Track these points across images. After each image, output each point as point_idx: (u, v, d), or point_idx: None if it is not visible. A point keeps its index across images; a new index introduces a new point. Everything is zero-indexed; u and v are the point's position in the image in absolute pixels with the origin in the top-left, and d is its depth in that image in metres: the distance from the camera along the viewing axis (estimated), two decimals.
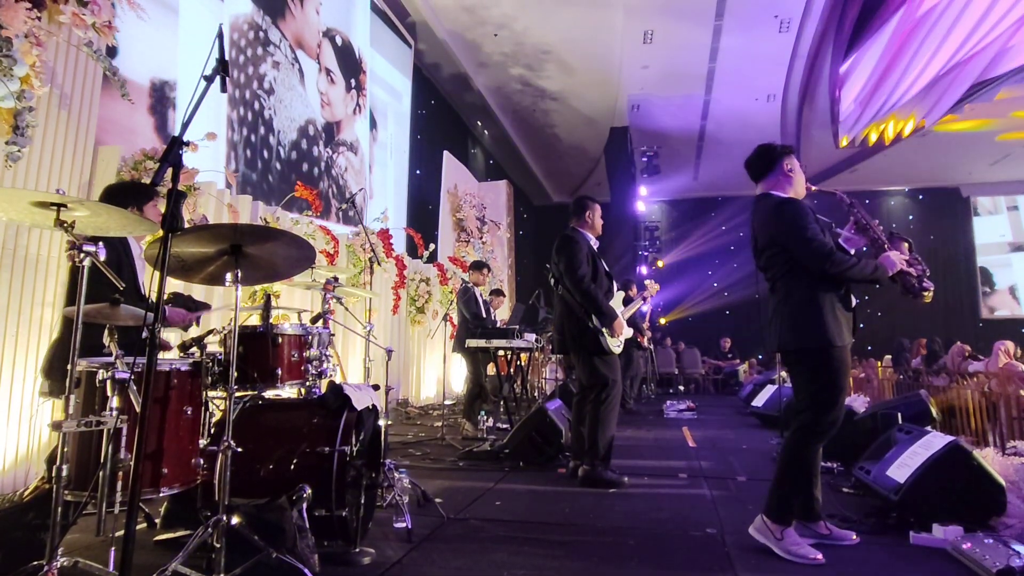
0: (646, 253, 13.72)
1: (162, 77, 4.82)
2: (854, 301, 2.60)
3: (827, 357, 2.48)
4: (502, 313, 7.87)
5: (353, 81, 8.04)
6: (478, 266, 6.37)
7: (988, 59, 9.40)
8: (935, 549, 2.50)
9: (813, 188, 2.82)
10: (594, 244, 3.92)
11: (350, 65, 8.00)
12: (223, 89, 1.72)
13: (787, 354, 2.63)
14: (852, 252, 2.68)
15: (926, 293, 2.59)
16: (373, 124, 8.55)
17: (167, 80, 4.87)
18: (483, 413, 5.68)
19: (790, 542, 2.40)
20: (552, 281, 3.92)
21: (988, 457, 2.92)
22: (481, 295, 6.16)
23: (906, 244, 2.66)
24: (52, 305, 3.26)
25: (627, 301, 4.43)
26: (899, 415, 3.82)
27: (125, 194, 2.68)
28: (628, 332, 3.87)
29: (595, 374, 3.71)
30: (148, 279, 2.72)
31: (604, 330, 3.68)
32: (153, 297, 1.45)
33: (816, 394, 2.50)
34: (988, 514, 2.69)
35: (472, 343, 5.53)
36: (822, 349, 2.48)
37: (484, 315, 6.02)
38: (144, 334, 1.62)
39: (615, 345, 3.75)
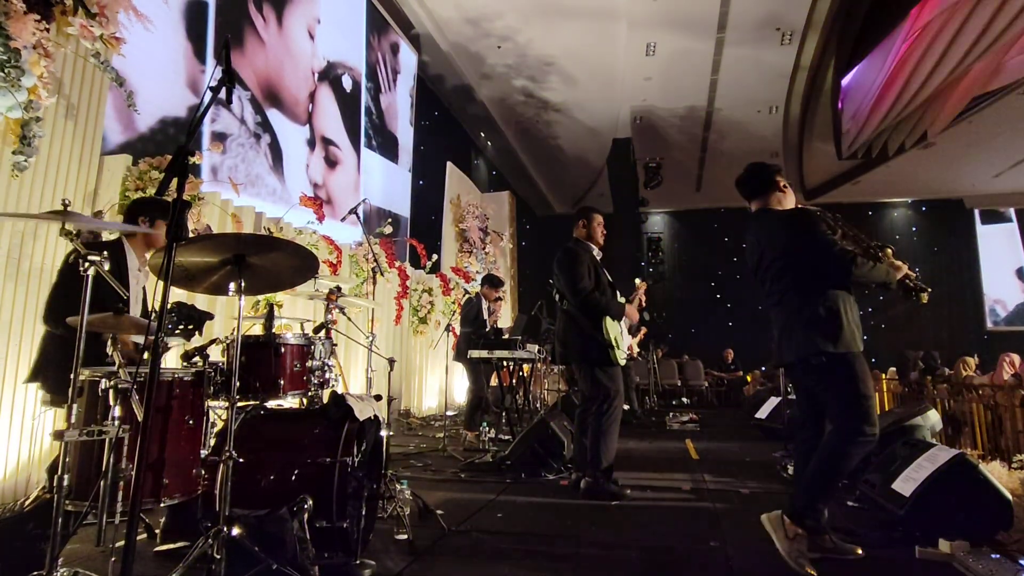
0: (648, 264, 13.73)
1: None
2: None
3: (852, 363, 2.48)
4: (503, 321, 7.87)
5: None
6: (490, 282, 6.45)
7: (989, 72, 9.43)
8: (941, 564, 2.47)
9: (804, 204, 2.90)
10: (597, 255, 3.90)
11: None
12: (228, 100, 1.73)
13: (808, 365, 2.54)
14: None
15: (923, 294, 2.65)
16: None
17: None
18: (485, 424, 5.65)
19: (798, 546, 2.34)
20: (555, 294, 3.91)
21: (994, 471, 2.89)
22: (487, 308, 6.19)
23: (889, 250, 2.73)
24: None
25: None
26: (928, 431, 3.75)
27: (148, 205, 2.71)
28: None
29: (597, 385, 3.69)
30: (152, 289, 2.73)
31: (615, 340, 3.67)
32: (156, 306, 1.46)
33: (853, 402, 2.44)
34: (995, 528, 2.66)
35: (474, 354, 5.51)
36: (846, 356, 2.48)
37: (481, 325, 6.05)
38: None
39: (622, 357, 3.74)
